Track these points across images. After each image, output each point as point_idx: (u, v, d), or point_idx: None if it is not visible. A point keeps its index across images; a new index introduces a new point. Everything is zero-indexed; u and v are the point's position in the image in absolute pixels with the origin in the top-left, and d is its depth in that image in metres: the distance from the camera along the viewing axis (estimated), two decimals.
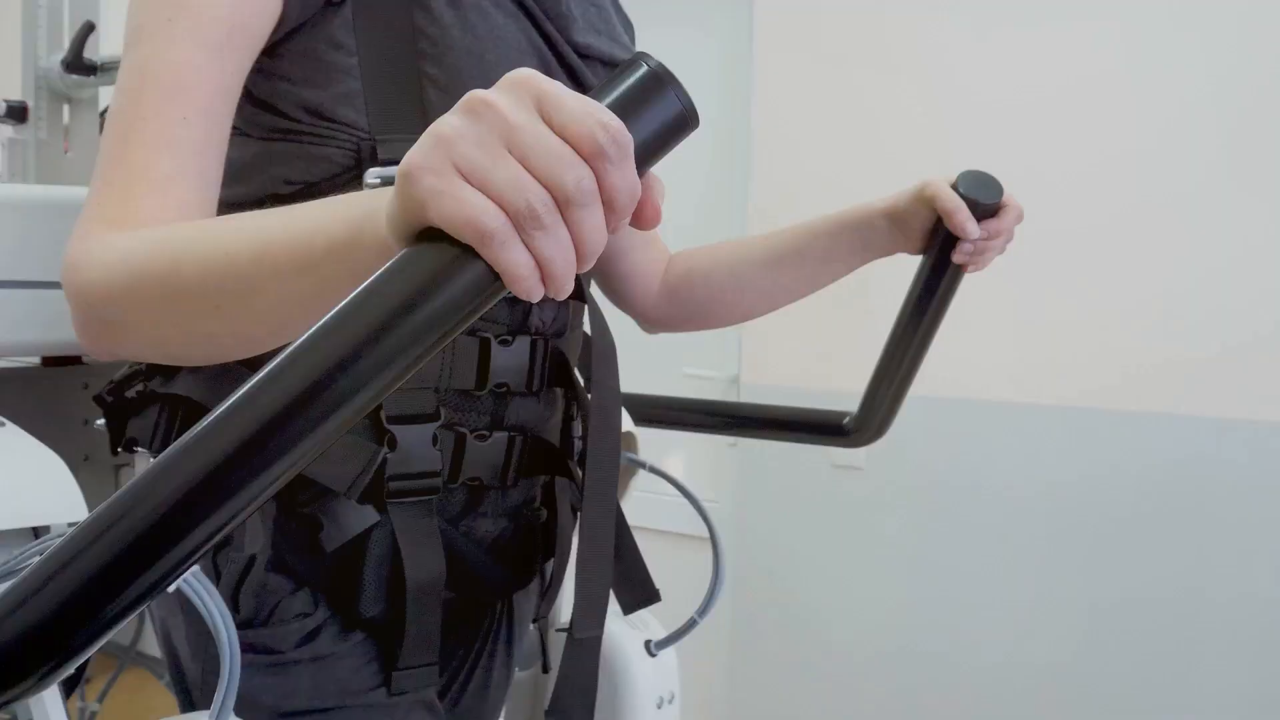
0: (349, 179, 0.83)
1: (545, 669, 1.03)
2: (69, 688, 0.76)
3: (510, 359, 0.92)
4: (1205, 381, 2.13)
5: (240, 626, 0.87)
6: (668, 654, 1.20)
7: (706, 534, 1.16)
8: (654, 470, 1.19)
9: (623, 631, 1.16)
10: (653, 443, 1.37)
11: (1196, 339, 2.14)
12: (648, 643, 1.17)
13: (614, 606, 0.96)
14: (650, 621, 1.22)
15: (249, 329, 0.65)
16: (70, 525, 0.81)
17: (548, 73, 0.92)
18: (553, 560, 1.02)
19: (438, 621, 0.91)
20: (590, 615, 0.93)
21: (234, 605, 0.88)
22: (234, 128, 0.85)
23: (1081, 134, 2.23)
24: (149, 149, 0.74)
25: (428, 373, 0.88)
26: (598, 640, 0.96)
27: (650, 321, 1.23)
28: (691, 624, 1.16)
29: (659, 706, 1.16)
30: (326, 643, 0.89)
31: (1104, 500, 2.23)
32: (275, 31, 0.81)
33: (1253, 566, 2.10)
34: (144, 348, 0.74)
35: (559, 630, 1.02)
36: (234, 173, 0.85)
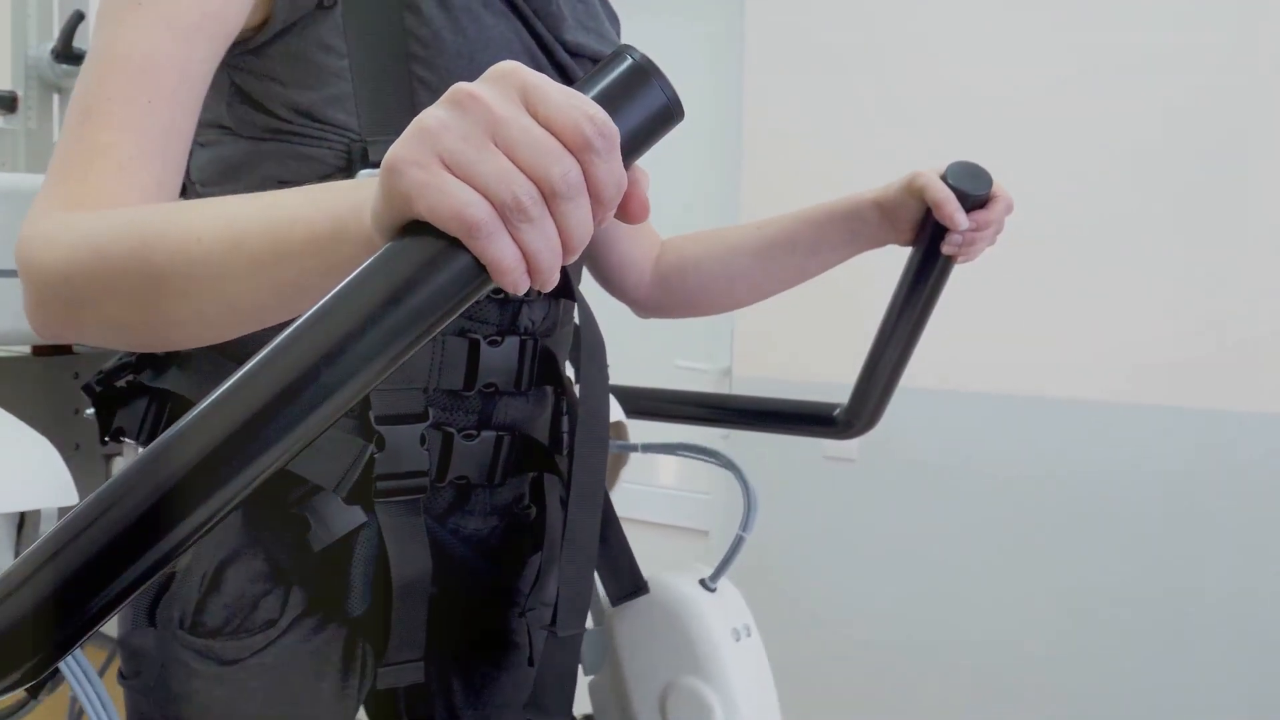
0: (339, 180, 0.83)
1: (531, 663, 1.03)
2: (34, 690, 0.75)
3: (499, 359, 0.91)
4: (1199, 375, 2.14)
5: (204, 636, 0.87)
6: (730, 589, 1.18)
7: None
8: (647, 448, 1.18)
9: (674, 577, 1.15)
10: (644, 435, 1.37)
11: (1191, 332, 2.15)
12: (702, 580, 1.16)
13: (666, 558, 0.92)
14: (699, 567, 1.21)
15: (217, 315, 0.63)
16: (61, 509, 0.81)
17: (539, 72, 0.92)
18: (540, 555, 1.02)
19: (423, 619, 0.91)
20: (573, 613, 0.93)
21: (199, 615, 0.88)
22: (224, 126, 0.85)
23: (1076, 126, 2.24)
24: (112, 130, 0.72)
25: (416, 373, 0.88)
26: (579, 638, 0.96)
27: (643, 308, 1.23)
28: (739, 542, 1.14)
29: (737, 639, 1.13)
30: (285, 651, 0.89)
31: (1095, 491, 2.24)
32: (262, 31, 0.80)
33: (1248, 556, 2.11)
34: (104, 330, 0.70)
35: (542, 627, 1.02)
36: (225, 171, 0.85)
